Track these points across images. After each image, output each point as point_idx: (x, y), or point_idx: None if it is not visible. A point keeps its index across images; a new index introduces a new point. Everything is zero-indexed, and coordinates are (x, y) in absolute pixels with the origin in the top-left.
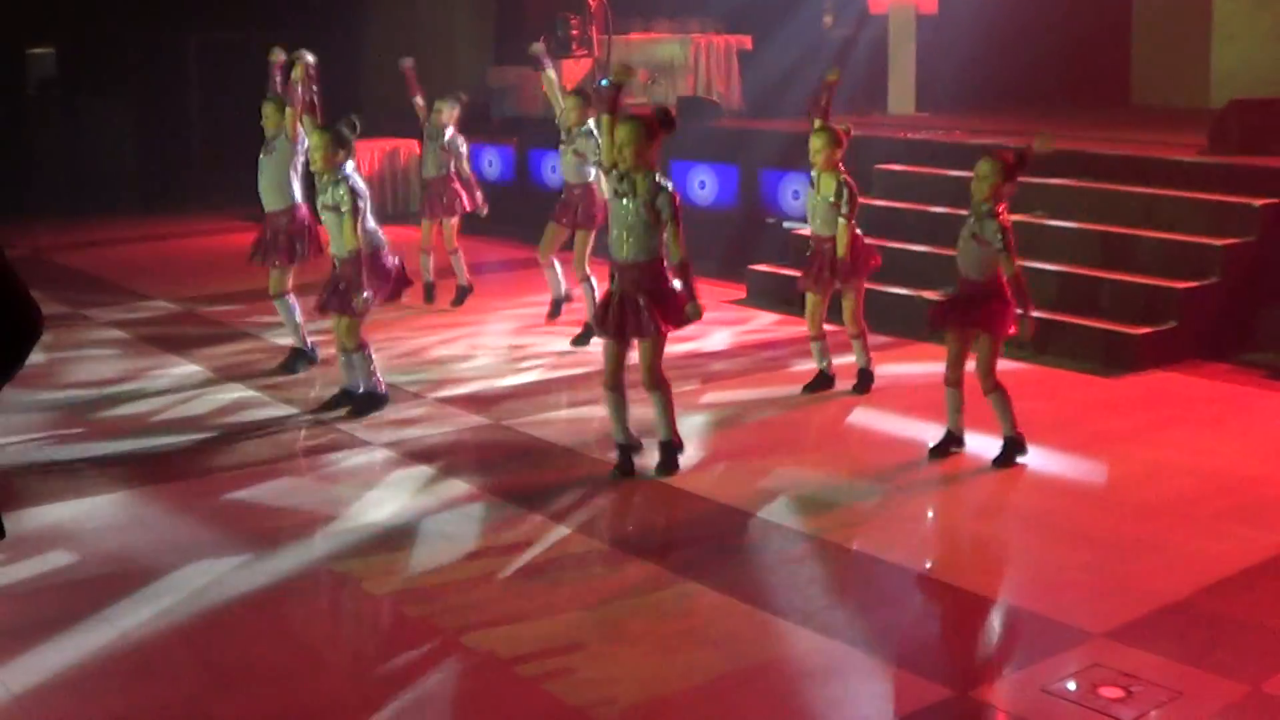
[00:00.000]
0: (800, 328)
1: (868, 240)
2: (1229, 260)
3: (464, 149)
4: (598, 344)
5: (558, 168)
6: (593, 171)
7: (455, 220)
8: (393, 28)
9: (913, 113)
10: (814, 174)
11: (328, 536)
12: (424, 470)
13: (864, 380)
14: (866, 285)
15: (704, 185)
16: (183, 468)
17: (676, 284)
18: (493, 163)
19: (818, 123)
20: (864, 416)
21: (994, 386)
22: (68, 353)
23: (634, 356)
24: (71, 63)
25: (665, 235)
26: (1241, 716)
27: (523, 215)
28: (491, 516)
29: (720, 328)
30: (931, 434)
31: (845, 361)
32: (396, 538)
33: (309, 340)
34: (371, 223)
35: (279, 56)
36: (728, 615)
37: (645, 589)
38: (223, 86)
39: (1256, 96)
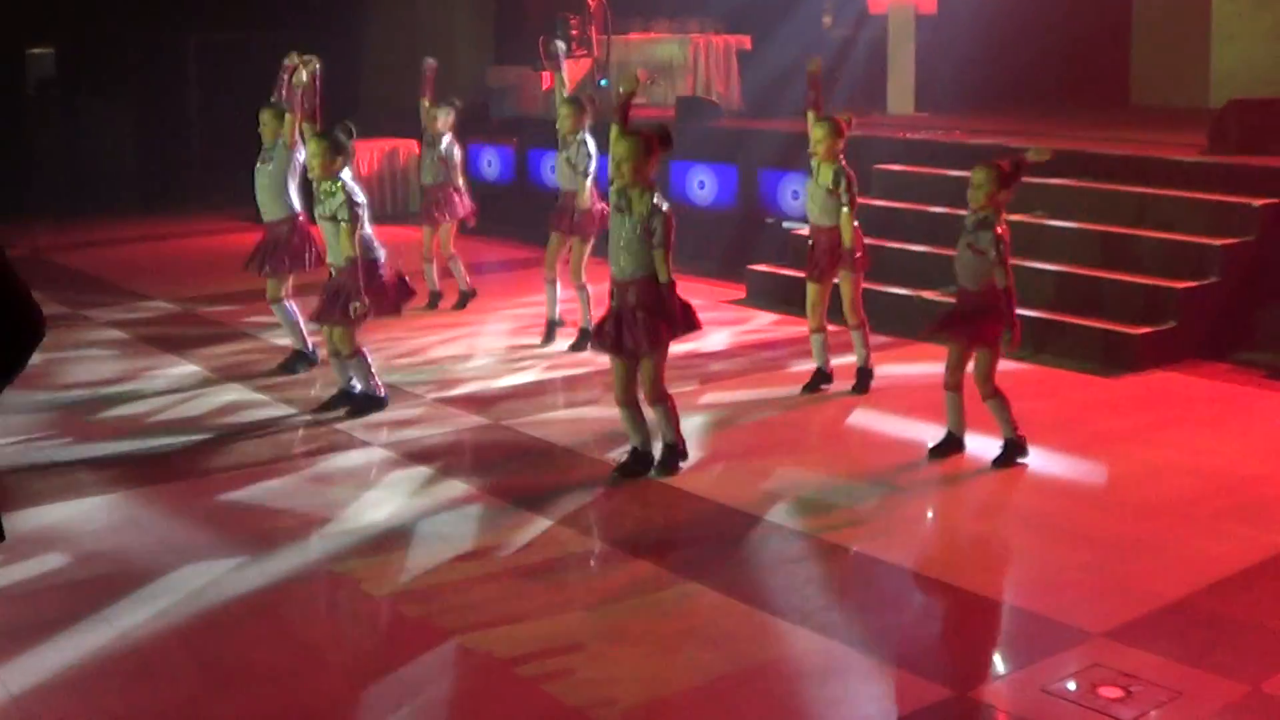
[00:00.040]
0: (800, 328)
1: (866, 240)
2: (1228, 260)
3: (458, 158)
4: None
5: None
6: (585, 182)
7: (452, 226)
8: (393, 28)
9: (912, 113)
10: (814, 163)
11: (326, 537)
12: (423, 470)
13: (863, 380)
14: (866, 285)
15: (703, 185)
16: (181, 468)
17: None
18: (492, 163)
19: (812, 116)
20: (864, 417)
21: (992, 393)
22: (67, 353)
23: None
24: (71, 63)
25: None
26: (1241, 716)
27: (522, 216)
28: (490, 517)
29: (719, 328)
30: (931, 434)
31: (845, 361)
32: (395, 538)
33: (309, 342)
34: (369, 231)
35: (294, 60)
36: (727, 615)
37: (645, 589)
38: (222, 86)
39: (1256, 96)
